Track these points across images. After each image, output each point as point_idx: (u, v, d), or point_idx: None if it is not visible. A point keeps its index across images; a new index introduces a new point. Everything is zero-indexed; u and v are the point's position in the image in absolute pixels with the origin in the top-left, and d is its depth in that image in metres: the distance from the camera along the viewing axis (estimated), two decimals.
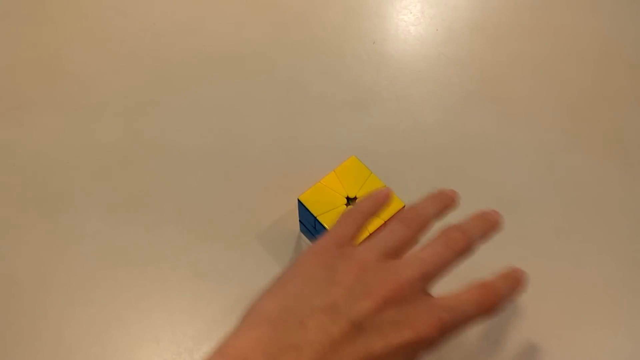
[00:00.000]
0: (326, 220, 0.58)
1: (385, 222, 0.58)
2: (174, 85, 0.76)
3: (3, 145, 0.72)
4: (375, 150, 0.72)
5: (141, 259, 0.65)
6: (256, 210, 0.68)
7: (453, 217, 0.68)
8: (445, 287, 0.65)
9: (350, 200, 0.59)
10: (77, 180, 0.70)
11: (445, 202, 0.51)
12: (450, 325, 0.41)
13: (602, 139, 0.73)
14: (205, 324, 0.62)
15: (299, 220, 0.64)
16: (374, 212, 0.50)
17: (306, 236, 0.66)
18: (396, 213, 0.59)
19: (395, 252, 0.45)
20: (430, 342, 0.40)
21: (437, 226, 0.68)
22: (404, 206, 0.59)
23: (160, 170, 0.71)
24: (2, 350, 0.61)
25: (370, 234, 0.57)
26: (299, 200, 0.59)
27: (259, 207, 0.68)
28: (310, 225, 0.61)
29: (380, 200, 0.51)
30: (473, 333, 0.62)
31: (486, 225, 0.48)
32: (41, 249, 0.66)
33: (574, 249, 0.66)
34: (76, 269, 0.65)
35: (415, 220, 0.48)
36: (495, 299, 0.44)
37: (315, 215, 0.58)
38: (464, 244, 0.46)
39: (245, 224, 0.67)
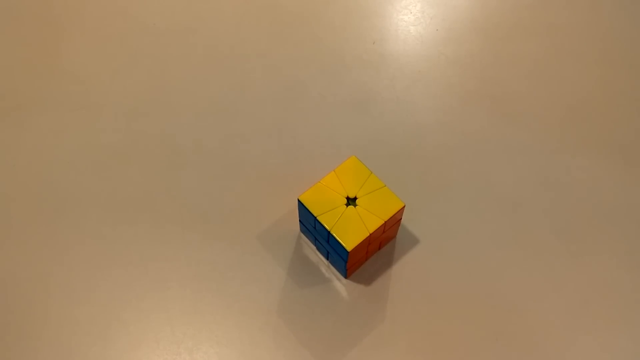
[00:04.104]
0: (326, 220, 0.58)
1: (385, 222, 0.58)
2: (174, 85, 0.76)
3: (3, 145, 0.72)
4: (375, 150, 0.72)
5: (141, 258, 0.65)
6: (256, 210, 0.68)
7: (456, 218, 0.68)
8: (447, 286, 0.65)
9: (350, 200, 0.59)
10: (77, 180, 0.70)
11: None
12: None
13: (602, 139, 0.72)
14: (205, 324, 0.62)
15: (299, 220, 0.64)
16: None
17: (306, 236, 0.66)
18: (396, 213, 0.59)
19: None
20: None
21: (441, 222, 0.69)
22: (404, 206, 0.59)
23: (161, 170, 0.71)
24: (2, 350, 0.61)
25: (370, 234, 0.57)
26: (299, 200, 0.59)
27: (259, 207, 0.68)
28: (310, 225, 0.61)
29: None
30: (473, 333, 0.62)
31: None
32: (41, 249, 0.66)
33: (574, 249, 0.66)
34: (76, 269, 0.65)
35: None
36: None
37: (315, 215, 0.58)
38: None
39: (245, 224, 0.67)
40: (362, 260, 0.64)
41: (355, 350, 0.61)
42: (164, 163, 0.71)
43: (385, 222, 0.58)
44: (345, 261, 0.59)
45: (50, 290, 0.64)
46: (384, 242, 0.65)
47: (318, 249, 0.65)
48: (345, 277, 0.64)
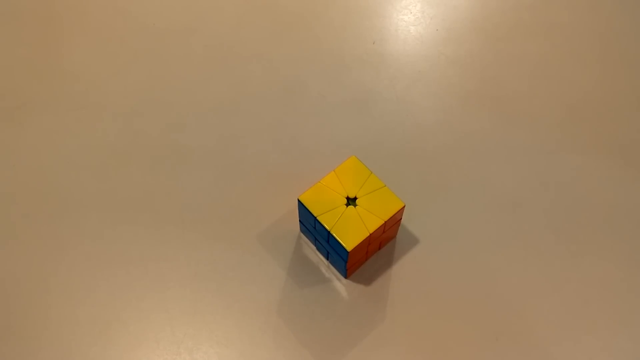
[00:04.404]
0: (326, 220, 0.58)
1: (385, 222, 0.58)
2: (174, 85, 0.76)
3: (3, 145, 0.72)
4: (375, 150, 0.72)
5: (141, 259, 0.66)
6: (256, 210, 0.68)
7: (455, 218, 0.68)
8: (447, 286, 0.65)
9: (350, 200, 0.59)
10: (77, 180, 0.70)
11: None
12: None
13: (602, 139, 0.72)
14: (205, 324, 0.62)
15: (299, 220, 0.64)
16: None
17: (306, 236, 0.66)
18: (396, 213, 0.59)
19: None
20: None
21: (441, 222, 0.68)
22: (404, 206, 0.59)
23: (160, 170, 0.71)
24: (2, 350, 0.61)
25: (370, 234, 0.57)
26: (299, 200, 0.59)
27: (259, 207, 0.68)
28: (310, 225, 0.61)
29: None
30: (473, 333, 0.62)
31: None
32: (41, 249, 0.66)
33: (574, 249, 0.66)
34: (76, 269, 0.65)
35: None
36: None
37: (315, 215, 0.58)
38: None
39: (245, 224, 0.67)
40: (362, 260, 0.64)
41: (355, 350, 0.61)
42: (164, 163, 0.71)
43: (385, 222, 0.58)
44: (345, 261, 0.59)
45: (50, 290, 0.64)
46: (384, 242, 0.65)
47: (318, 249, 0.65)
48: (345, 277, 0.64)
